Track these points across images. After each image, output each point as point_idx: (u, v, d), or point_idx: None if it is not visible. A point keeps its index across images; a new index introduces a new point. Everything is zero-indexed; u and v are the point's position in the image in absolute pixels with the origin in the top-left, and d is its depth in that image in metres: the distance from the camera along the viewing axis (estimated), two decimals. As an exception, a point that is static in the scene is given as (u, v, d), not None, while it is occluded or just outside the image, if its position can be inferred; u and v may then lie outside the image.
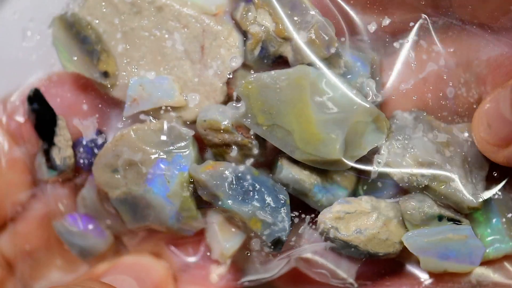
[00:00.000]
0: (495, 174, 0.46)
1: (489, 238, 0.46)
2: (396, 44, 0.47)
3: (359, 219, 0.46)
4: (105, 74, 0.47)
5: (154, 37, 0.47)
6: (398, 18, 0.46)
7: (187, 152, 0.47)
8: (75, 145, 0.49)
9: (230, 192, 0.46)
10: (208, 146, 0.47)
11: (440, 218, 0.45)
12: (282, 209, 0.47)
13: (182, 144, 0.47)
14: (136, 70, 0.47)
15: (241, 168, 0.46)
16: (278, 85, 0.44)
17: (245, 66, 0.47)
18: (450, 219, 0.46)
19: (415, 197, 0.46)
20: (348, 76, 0.46)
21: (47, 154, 0.48)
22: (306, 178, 0.46)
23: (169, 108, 0.47)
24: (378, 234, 0.46)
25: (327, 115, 0.44)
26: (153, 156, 0.47)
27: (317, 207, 0.47)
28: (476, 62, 0.46)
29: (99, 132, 0.49)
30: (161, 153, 0.47)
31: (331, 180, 0.47)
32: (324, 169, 0.46)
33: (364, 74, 0.46)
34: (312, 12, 0.45)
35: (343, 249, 0.46)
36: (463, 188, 0.45)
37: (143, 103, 0.47)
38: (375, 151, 0.46)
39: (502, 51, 0.46)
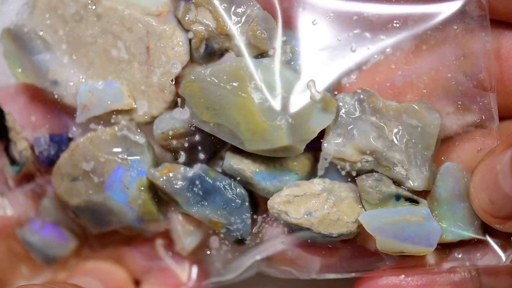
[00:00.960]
0: (443, 158, 0.47)
1: (447, 221, 0.46)
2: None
3: (309, 202, 0.45)
4: (55, 83, 0.48)
5: (100, 43, 0.47)
6: None
7: (143, 157, 0.47)
8: (35, 143, 0.49)
9: (188, 195, 0.46)
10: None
11: (398, 197, 0.45)
12: (241, 207, 0.47)
13: (137, 149, 0.47)
14: (84, 80, 0.48)
15: (198, 169, 0.47)
16: (218, 80, 0.44)
17: (194, 62, 0.47)
18: (407, 199, 0.45)
19: (373, 176, 0.45)
20: (292, 63, 0.46)
21: (7, 152, 0.49)
22: (245, 167, 0.46)
23: (119, 115, 0.48)
24: (328, 215, 0.45)
25: (267, 102, 0.44)
26: (110, 163, 0.47)
27: (265, 195, 0.47)
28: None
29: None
30: (118, 160, 0.47)
31: (280, 166, 0.46)
32: (272, 157, 0.46)
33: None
34: (251, 3, 0.46)
35: (300, 232, 0.46)
36: (406, 172, 0.45)
37: (94, 108, 0.47)
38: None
39: None
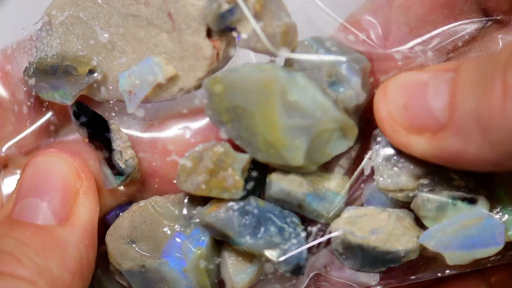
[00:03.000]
0: None
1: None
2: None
3: (372, 220, 0.45)
4: (91, 72, 0.47)
5: (124, 30, 0.46)
6: None
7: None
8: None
9: (239, 229, 0.45)
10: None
11: (454, 201, 0.44)
12: (295, 234, 0.45)
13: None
14: (122, 69, 0.47)
15: (245, 201, 0.45)
16: (246, 87, 0.43)
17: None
18: (463, 199, 0.44)
19: (424, 192, 0.44)
20: (338, 87, 0.44)
21: (109, 162, 0.48)
22: (297, 189, 0.45)
23: (168, 89, 0.46)
24: (394, 230, 0.44)
25: (293, 121, 0.43)
26: (171, 230, 0.47)
27: (315, 217, 0.46)
28: None
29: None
30: (179, 227, 0.47)
31: (323, 187, 0.46)
32: (313, 178, 0.45)
33: (355, 85, 0.44)
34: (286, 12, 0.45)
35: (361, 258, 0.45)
36: (465, 183, 0.44)
37: (139, 91, 0.46)
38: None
39: None
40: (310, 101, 0.43)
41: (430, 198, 0.43)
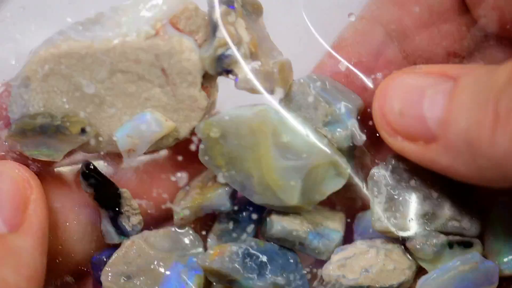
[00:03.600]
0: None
1: (505, 255, 0.45)
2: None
3: (361, 260, 0.45)
4: (83, 131, 0.46)
5: (113, 85, 0.45)
6: None
7: (201, 254, 0.47)
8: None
9: (245, 272, 0.45)
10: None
11: (451, 245, 0.44)
12: (296, 270, 0.46)
13: (195, 250, 0.47)
14: (112, 124, 0.46)
15: (246, 243, 0.45)
16: (239, 130, 0.44)
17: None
18: (460, 243, 0.44)
19: (421, 234, 0.44)
20: (330, 127, 0.45)
21: (114, 221, 0.48)
22: (299, 227, 0.45)
23: (163, 140, 0.46)
24: (384, 266, 0.44)
25: (287, 162, 0.44)
26: (166, 261, 0.47)
27: (316, 255, 0.46)
28: None
29: None
30: (175, 257, 0.47)
31: (321, 225, 0.46)
32: (312, 215, 0.46)
33: (347, 127, 0.45)
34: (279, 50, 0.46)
35: None
36: (459, 224, 0.44)
37: (140, 148, 0.46)
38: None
39: None
40: (302, 142, 0.43)
41: (427, 242, 0.43)
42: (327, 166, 0.44)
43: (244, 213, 0.47)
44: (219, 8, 0.44)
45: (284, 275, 0.45)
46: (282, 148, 0.43)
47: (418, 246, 0.43)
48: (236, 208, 0.47)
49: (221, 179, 0.45)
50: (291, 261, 0.46)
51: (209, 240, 0.47)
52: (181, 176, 0.47)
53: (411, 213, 0.44)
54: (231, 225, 0.47)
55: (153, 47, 0.44)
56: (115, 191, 0.47)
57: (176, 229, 0.47)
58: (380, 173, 0.44)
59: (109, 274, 0.46)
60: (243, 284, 0.45)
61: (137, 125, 0.45)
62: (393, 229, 0.44)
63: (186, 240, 0.47)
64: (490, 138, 0.39)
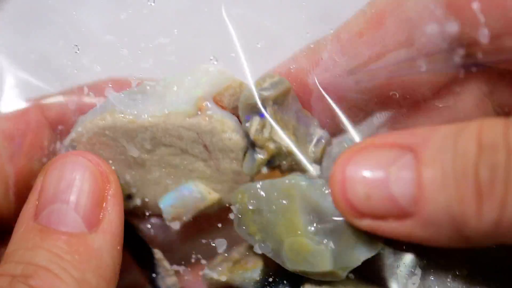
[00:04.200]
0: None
1: None
2: None
3: None
4: (129, 197, 0.48)
5: (156, 158, 0.46)
6: None
7: None
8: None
9: None
10: None
11: None
12: None
13: None
14: (157, 189, 0.48)
15: None
16: (270, 195, 0.44)
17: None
18: None
19: None
20: None
21: (153, 283, 0.49)
22: None
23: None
24: None
25: (317, 225, 0.44)
26: None
27: None
28: None
29: None
30: None
31: None
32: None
33: None
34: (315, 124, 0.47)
35: None
36: None
37: (184, 216, 0.47)
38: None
39: None
40: (331, 205, 0.43)
41: None
42: (359, 230, 0.43)
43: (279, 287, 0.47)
44: (254, 122, 0.45)
45: None
46: (311, 212, 0.43)
47: None
48: (271, 280, 0.47)
49: (257, 249, 0.45)
50: None
51: None
52: (221, 242, 0.48)
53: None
54: None
55: (195, 125, 0.45)
56: (149, 252, 0.48)
57: None
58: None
59: None
60: None
61: (181, 196, 0.47)
62: None
63: None
64: (476, 212, 0.39)
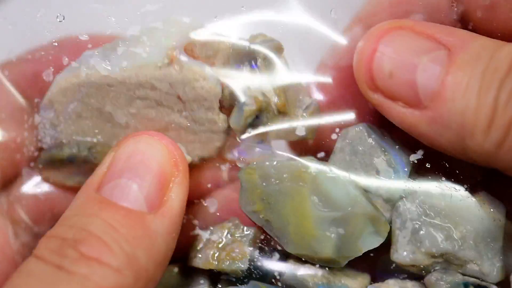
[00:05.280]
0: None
1: None
2: None
3: None
4: None
5: (133, 108, 0.46)
6: None
7: None
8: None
9: None
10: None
11: (467, 285, 0.44)
12: None
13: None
14: None
15: (249, 286, 0.45)
16: (280, 176, 0.44)
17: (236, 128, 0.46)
18: (476, 286, 0.44)
19: (439, 271, 0.44)
20: (383, 175, 0.45)
21: None
22: (309, 278, 0.45)
23: None
24: None
25: (325, 213, 0.43)
26: None
27: None
28: None
29: None
30: None
31: (339, 281, 0.45)
32: (333, 271, 0.45)
33: (401, 178, 0.45)
34: (305, 91, 0.46)
35: None
36: (479, 268, 0.44)
37: None
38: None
39: None
40: (343, 194, 0.43)
41: (444, 279, 0.44)
42: (366, 221, 0.43)
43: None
44: (243, 69, 0.45)
45: None
46: (321, 198, 0.43)
47: (433, 282, 0.44)
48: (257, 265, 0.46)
49: (257, 221, 0.45)
50: None
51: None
52: (212, 202, 0.48)
53: (431, 249, 0.43)
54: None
55: (167, 76, 0.45)
56: None
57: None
58: (406, 206, 0.44)
59: None
60: None
61: None
62: (411, 263, 0.44)
63: (196, 283, 0.47)
64: (485, 127, 0.39)
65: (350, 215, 0.43)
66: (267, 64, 0.45)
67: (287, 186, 0.44)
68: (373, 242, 0.44)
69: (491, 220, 0.44)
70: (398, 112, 0.42)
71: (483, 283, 0.44)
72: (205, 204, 0.48)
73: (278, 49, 0.46)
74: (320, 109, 0.47)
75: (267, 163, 0.44)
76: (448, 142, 0.41)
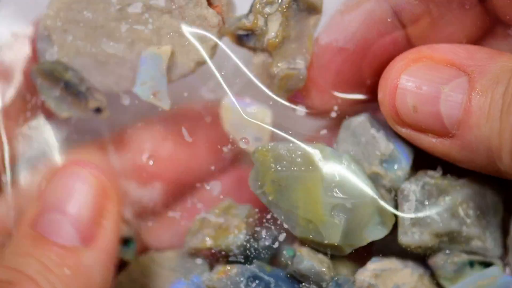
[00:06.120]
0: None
1: None
2: None
3: (395, 276, 0.45)
4: (98, 110, 0.47)
5: (124, 16, 0.46)
6: None
7: (204, 271, 0.47)
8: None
9: None
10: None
11: (472, 264, 0.45)
12: None
13: (198, 267, 0.48)
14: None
15: (253, 267, 0.46)
16: (294, 159, 0.44)
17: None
18: (481, 263, 0.45)
19: (443, 252, 0.45)
20: (386, 165, 0.45)
21: None
22: (327, 271, 0.45)
23: None
24: (415, 287, 0.45)
25: (335, 199, 0.44)
26: (170, 278, 0.47)
27: None
28: None
29: None
30: (179, 274, 0.47)
31: (336, 271, 0.46)
32: (335, 261, 0.46)
33: (404, 168, 0.45)
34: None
35: None
36: (483, 244, 0.45)
37: (159, 86, 0.47)
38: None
39: None
40: (354, 182, 0.44)
41: (449, 260, 0.45)
42: (374, 212, 0.44)
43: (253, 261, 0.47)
44: None
45: None
46: (332, 185, 0.44)
47: (439, 264, 0.45)
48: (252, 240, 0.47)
49: (265, 202, 0.45)
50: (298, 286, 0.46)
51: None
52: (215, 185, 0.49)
53: (437, 230, 0.44)
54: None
55: None
56: None
57: (183, 252, 0.47)
58: (411, 188, 0.45)
59: None
60: None
61: (142, 71, 0.46)
62: (419, 244, 0.44)
63: (193, 264, 0.48)
64: (510, 149, 0.40)
65: (360, 204, 0.44)
66: (295, 6, 0.46)
67: (300, 170, 0.44)
68: (379, 233, 0.45)
69: (493, 195, 0.45)
70: (428, 143, 0.43)
71: (487, 260, 0.45)
72: (208, 188, 0.49)
73: (314, 7, 0.46)
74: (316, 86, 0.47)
75: (281, 145, 0.44)
76: (481, 166, 0.42)
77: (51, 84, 0.47)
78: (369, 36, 0.45)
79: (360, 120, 0.46)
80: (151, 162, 0.49)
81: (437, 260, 0.45)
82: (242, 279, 0.45)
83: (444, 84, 0.42)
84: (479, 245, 0.45)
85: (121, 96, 0.47)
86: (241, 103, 0.47)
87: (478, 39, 0.46)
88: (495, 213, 0.45)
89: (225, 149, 0.48)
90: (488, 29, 0.46)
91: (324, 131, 0.47)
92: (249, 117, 0.47)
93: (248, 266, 0.46)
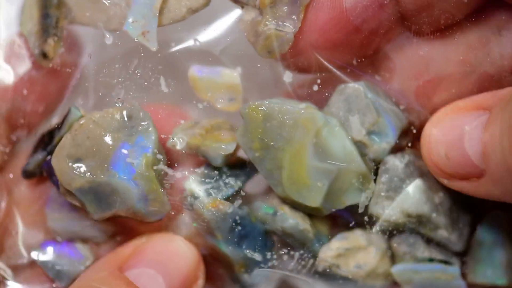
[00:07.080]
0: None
1: (484, 266, 0.47)
2: None
3: (357, 255, 0.46)
4: (44, 55, 0.47)
5: None
6: None
7: (148, 134, 0.46)
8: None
9: (228, 235, 0.46)
10: None
11: (431, 261, 0.46)
12: (275, 249, 0.48)
13: (142, 128, 0.46)
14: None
15: (242, 212, 0.46)
16: (284, 120, 0.44)
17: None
18: (441, 261, 0.46)
19: (407, 240, 0.46)
20: (373, 136, 0.46)
21: None
22: (310, 229, 0.46)
23: None
24: (376, 268, 0.46)
25: (320, 164, 0.44)
26: (114, 141, 0.46)
27: (311, 253, 0.47)
28: None
29: None
30: (123, 136, 0.46)
31: (315, 228, 0.47)
32: (311, 217, 0.46)
33: (390, 141, 0.46)
34: None
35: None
36: (448, 235, 0.46)
37: (149, 25, 0.46)
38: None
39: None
40: (340, 148, 0.44)
41: (410, 253, 0.46)
42: (354, 176, 0.45)
43: (229, 179, 0.48)
44: None
45: (261, 253, 0.47)
46: (319, 149, 0.44)
47: (401, 255, 0.46)
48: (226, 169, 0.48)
49: (251, 157, 0.45)
50: (273, 241, 0.47)
51: (191, 178, 0.47)
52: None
53: (408, 209, 0.45)
54: (214, 178, 0.48)
55: None
56: None
57: (130, 108, 0.46)
58: (394, 162, 0.45)
59: (59, 157, 0.46)
60: (219, 244, 0.47)
61: (135, 9, 0.46)
62: (386, 218, 0.45)
63: (137, 122, 0.46)
64: None
65: (344, 170, 0.44)
66: None
67: (290, 131, 0.44)
68: (358, 197, 0.45)
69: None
70: (474, 188, 0.43)
71: (449, 261, 0.46)
72: (200, 106, 0.49)
73: None
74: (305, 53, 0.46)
75: (274, 104, 0.44)
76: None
77: (36, 5, 0.48)
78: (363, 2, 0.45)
79: (355, 88, 0.46)
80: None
81: (399, 251, 0.46)
82: (229, 220, 0.46)
83: (467, 125, 0.42)
84: (444, 236, 0.45)
85: (104, 35, 0.48)
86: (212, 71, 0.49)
87: (477, 9, 0.45)
88: (468, 211, 0.46)
89: (199, 105, 0.48)
90: None
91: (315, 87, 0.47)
92: (220, 81, 0.48)
93: (239, 210, 0.46)
